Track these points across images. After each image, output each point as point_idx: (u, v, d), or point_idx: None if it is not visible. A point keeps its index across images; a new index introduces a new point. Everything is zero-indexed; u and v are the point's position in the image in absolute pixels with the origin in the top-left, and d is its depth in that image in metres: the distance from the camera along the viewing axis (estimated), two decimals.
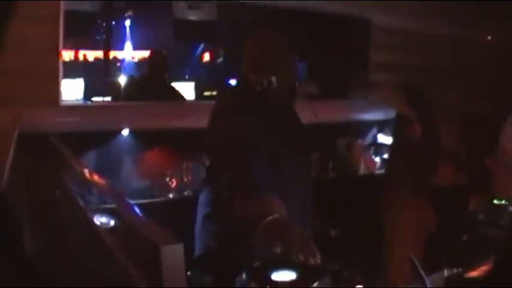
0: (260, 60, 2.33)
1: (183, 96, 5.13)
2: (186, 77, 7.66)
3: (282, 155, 2.20)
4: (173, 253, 0.92)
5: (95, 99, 5.62)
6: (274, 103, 2.32)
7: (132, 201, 3.61)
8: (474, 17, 5.19)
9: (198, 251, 2.27)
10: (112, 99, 5.19)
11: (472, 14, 5.17)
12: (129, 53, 7.65)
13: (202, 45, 8.25)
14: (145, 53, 8.04)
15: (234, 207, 1.97)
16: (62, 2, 3.49)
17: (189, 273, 1.95)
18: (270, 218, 1.75)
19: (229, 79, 8.03)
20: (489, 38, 5.81)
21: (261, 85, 2.27)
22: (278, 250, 1.61)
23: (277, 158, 2.17)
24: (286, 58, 2.36)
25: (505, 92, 4.18)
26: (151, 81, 4.84)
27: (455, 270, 1.91)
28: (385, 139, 5.37)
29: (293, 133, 2.37)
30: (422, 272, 1.83)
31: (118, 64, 7.69)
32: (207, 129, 2.30)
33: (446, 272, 1.90)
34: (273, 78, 2.28)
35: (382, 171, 4.89)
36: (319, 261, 1.58)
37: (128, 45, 7.62)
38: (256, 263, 1.62)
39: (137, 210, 1.36)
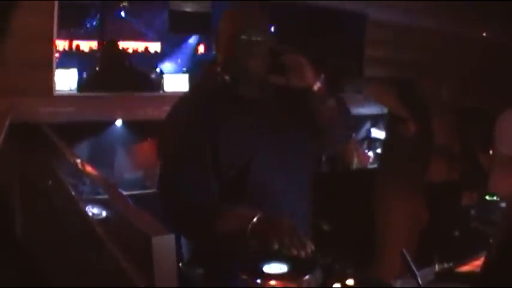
0: (224, 41, 1.97)
1: (150, 84, 5.09)
2: (182, 68, 7.65)
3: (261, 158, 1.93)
4: (164, 244, 0.91)
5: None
6: (245, 98, 1.99)
7: (125, 192, 3.63)
8: (468, 13, 5.20)
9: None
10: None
11: (465, 10, 5.18)
12: (123, 44, 7.63)
13: (197, 37, 8.24)
14: (140, 44, 8.05)
15: (214, 226, 1.82)
16: None
17: (180, 264, 1.95)
18: (255, 219, 1.69)
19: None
20: (484, 34, 5.83)
21: (220, 77, 1.98)
22: (273, 247, 1.59)
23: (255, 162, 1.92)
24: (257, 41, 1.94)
25: (498, 87, 4.19)
26: (109, 71, 4.80)
27: (446, 265, 1.92)
28: (378, 133, 5.38)
29: (275, 133, 2.01)
30: (413, 266, 1.83)
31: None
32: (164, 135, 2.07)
33: (437, 267, 1.91)
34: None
35: (376, 165, 4.91)
36: (310, 252, 1.57)
37: (122, 36, 7.60)
38: (248, 256, 1.62)
39: (129, 201, 1.36)
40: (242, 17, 1.99)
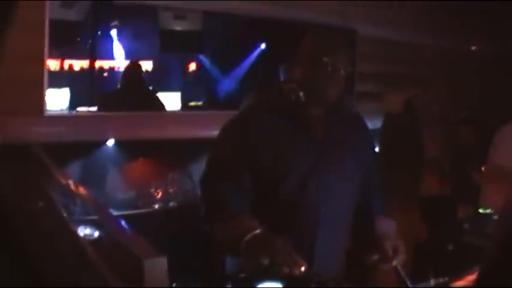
0: (306, 60, 2.01)
1: (164, 106, 5.12)
2: (172, 87, 7.65)
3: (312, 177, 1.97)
4: (156, 267, 0.90)
5: (80, 109, 5.59)
6: (311, 118, 2.02)
7: (117, 213, 3.62)
8: (456, 27, 5.25)
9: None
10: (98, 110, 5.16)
11: (454, 25, 5.22)
12: (115, 63, 7.63)
13: (188, 56, 8.24)
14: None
15: (213, 229, 1.91)
16: (47, 10, 3.47)
17: (174, 285, 1.93)
18: (251, 234, 1.70)
19: (215, 89, 8.05)
20: (473, 48, 5.88)
21: (295, 95, 1.99)
22: (264, 263, 1.59)
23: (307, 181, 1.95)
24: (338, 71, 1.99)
25: (489, 100, 4.22)
26: (129, 92, 4.84)
27: (441, 280, 1.91)
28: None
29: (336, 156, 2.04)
30: (408, 282, 1.82)
31: (104, 74, 7.66)
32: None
33: (432, 282, 1.90)
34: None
35: None
36: (303, 271, 1.56)
37: (114, 55, 7.60)
38: (242, 274, 1.60)
39: (121, 222, 1.34)
40: (326, 41, 2.03)
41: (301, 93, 1.97)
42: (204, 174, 2.02)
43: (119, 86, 5.20)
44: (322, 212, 1.96)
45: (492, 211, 2.89)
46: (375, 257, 1.86)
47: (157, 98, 5.12)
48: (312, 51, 2.00)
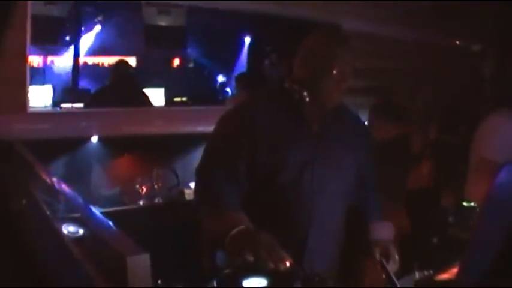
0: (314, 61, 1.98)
1: (151, 103, 5.11)
2: (156, 82, 7.63)
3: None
4: (139, 263, 0.90)
5: (63, 105, 5.55)
6: (309, 118, 2.02)
7: (102, 209, 3.60)
8: (439, 22, 5.27)
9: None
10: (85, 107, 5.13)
11: (439, 19, 5.25)
12: (99, 59, 7.59)
13: (172, 51, 8.22)
14: (115, 59, 8.01)
15: (203, 222, 1.93)
16: (29, 6, 3.43)
17: (159, 281, 1.93)
18: (237, 229, 1.72)
19: (199, 85, 8.04)
20: (457, 42, 5.91)
21: (299, 95, 1.97)
22: (249, 259, 1.59)
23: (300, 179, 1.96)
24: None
25: (472, 94, 4.25)
26: (118, 89, 4.83)
27: (426, 273, 1.92)
28: None
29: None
30: (393, 275, 1.84)
31: (88, 70, 7.61)
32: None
33: (417, 275, 1.91)
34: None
35: None
36: (289, 267, 1.56)
37: (98, 51, 7.55)
38: (227, 270, 1.60)
39: (103, 219, 1.34)
40: (336, 45, 2.00)
41: (305, 93, 1.96)
42: (200, 163, 2.02)
43: (107, 82, 5.18)
44: (315, 207, 1.96)
45: (476, 204, 2.91)
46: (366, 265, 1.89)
47: (146, 94, 5.11)
48: (320, 52, 1.98)
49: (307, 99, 1.96)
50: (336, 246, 2.09)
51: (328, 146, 2.02)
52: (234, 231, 1.71)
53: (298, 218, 1.95)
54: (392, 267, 1.89)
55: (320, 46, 2.00)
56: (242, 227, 1.73)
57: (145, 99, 4.98)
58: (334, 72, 1.94)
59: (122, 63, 5.16)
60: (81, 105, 5.41)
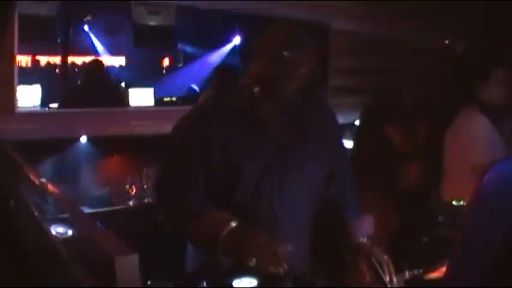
0: (263, 55, 1.86)
1: (126, 102, 5.08)
2: (146, 82, 7.61)
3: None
4: (127, 264, 0.89)
5: (52, 105, 5.52)
6: (263, 116, 1.91)
7: (91, 210, 3.59)
8: (430, 22, 5.30)
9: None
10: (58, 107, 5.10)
11: (428, 18, 5.28)
12: (88, 59, 7.55)
13: (161, 51, 8.21)
14: (104, 58, 7.99)
15: (188, 231, 1.83)
16: (16, 5, 3.41)
17: (149, 282, 1.92)
18: (229, 228, 1.64)
19: (189, 84, 8.02)
20: (446, 42, 5.94)
21: (250, 90, 1.84)
22: (248, 263, 1.54)
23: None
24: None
25: (458, 93, 4.27)
26: (90, 89, 4.88)
27: (416, 272, 1.93)
28: (345, 143, 5.41)
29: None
30: (383, 274, 1.84)
31: (76, 70, 7.58)
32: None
33: (407, 274, 1.92)
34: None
35: None
36: (284, 268, 1.53)
37: (87, 50, 7.52)
38: (217, 271, 1.60)
39: (92, 220, 1.33)
40: (288, 34, 1.90)
41: (256, 89, 1.82)
42: (158, 178, 1.96)
43: (79, 82, 5.22)
44: (278, 213, 1.90)
45: (465, 203, 2.92)
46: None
47: (122, 94, 5.11)
48: (270, 45, 1.87)
49: (258, 95, 1.82)
50: (305, 248, 2.02)
51: (288, 147, 1.92)
52: (229, 228, 1.64)
53: (262, 226, 1.82)
54: (386, 268, 1.88)
55: (271, 37, 1.90)
56: (236, 223, 1.67)
57: (120, 98, 4.99)
58: (286, 62, 1.82)
59: (95, 63, 5.24)
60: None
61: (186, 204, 1.83)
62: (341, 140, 2.26)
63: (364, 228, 2.01)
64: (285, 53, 1.82)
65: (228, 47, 7.96)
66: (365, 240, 1.98)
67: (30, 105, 4.79)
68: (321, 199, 2.04)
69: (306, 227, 2.03)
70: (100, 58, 7.41)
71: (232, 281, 1.47)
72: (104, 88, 5.01)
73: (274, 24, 1.96)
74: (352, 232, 1.98)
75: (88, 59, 7.61)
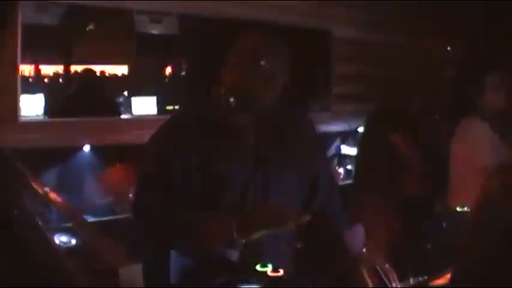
0: (239, 63, 1.82)
1: (120, 111, 5.08)
2: (148, 91, 7.61)
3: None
4: (131, 274, 0.89)
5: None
6: (238, 127, 1.87)
7: (95, 219, 3.58)
8: (432, 28, 5.30)
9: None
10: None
11: (430, 25, 5.28)
12: (91, 67, 7.56)
13: (164, 59, 8.21)
14: (107, 67, 8.00)
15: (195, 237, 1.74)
16: (19, 15, 3.42)
17: None
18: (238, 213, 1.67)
19: (192, 93, 8.00)
20: (448, 48, 5.95)
21: (225, 100, 1.78)
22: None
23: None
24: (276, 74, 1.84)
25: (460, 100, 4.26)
26: (81, 98, 4.88)
27: (420, 279, 1.92)
28: (348, 150, 5.41)
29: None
30: (387, 281, 1.83)
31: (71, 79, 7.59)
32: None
33: (412, 281, 1.91)
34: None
35: (346, 182, 4.93)
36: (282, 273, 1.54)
37: (89, 59, 7.53)
38: (221, 277, 1.60)
39: (96, 229, 1.32)
40: (263, 43, 1.86)
41: (231, 99, 1.77)
42: (137, 190, 1.90)
43: (69, 91, 5.22)
44: None
45: (469, 209, 2.91)
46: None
47: (117, 103, 5.11)
48: (245, 53, 1.83)
49: (233, 104, 1.77)
50: (287, 255, 1.98)
51: (269, 157, 1.87)
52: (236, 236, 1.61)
53: None
54: (391, 277, 1.87)
55: (246, 46, 1.85)
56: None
57: (113, 107, 4.97)
58: (262, 71, 1.79)
59: (86, 72, 5.30)
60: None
61: (166, 212, 1.78)
62: (322, 149, 2.23)
63: (359, 238, 1.99)
64: (261, 63, 1.79)
65: None
66: (363, 250, 1.96)
67: (34, 114, 4.79)
68: (307, 212, 1.99)
69: (290, 235, 1.98)
70: (100, 67, 7.44)
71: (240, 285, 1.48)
72: (95, 97, 4.98)
73: (247, 32, 1.91)
74: (348, 243, 1.96)
75: (92, 67, 7.64)
